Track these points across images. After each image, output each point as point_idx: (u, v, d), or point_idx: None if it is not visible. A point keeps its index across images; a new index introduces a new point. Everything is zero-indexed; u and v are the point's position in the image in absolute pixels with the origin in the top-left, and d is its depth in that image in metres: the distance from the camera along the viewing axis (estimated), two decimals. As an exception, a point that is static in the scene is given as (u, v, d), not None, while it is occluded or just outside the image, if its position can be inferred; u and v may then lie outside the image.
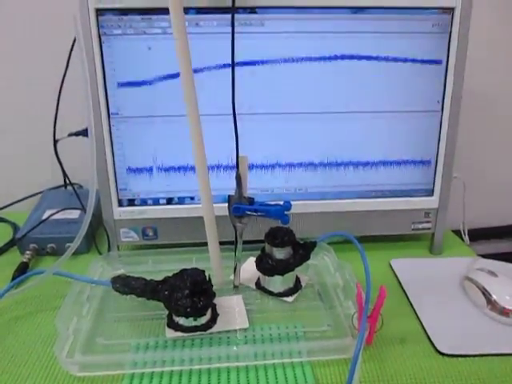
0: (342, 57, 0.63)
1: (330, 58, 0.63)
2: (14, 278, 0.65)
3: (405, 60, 0.64)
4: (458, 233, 0.80)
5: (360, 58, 0.64)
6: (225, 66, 0.62)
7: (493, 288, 0.60)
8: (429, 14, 0.63)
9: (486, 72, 0.90)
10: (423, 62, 0.65)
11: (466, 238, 0.78)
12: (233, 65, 0.54)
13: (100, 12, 0.59)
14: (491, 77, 0.92)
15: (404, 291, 0.64)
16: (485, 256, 0.71)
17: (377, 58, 0.64)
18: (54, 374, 0.50)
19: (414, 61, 0.65)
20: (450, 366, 0.52)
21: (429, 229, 0.73)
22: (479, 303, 0.60)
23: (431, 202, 0.71)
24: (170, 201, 0.68)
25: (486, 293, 0.60)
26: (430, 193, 0.71)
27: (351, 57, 0.64)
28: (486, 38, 0.87)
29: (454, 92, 0.66)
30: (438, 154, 0.69)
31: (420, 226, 0.73)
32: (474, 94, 0.89)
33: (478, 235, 0.93)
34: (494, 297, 0.59)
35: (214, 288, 0.56)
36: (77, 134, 0.66)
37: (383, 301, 0.52)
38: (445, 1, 0.62)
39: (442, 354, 0.53)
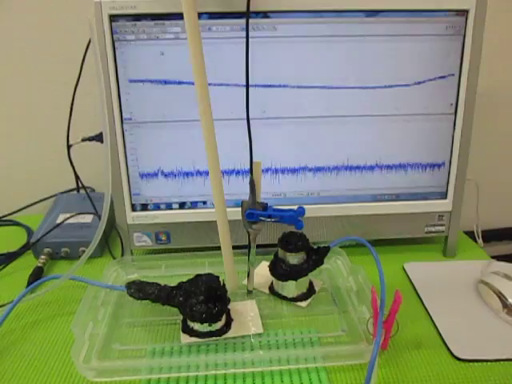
0: (355, 60, 0.63)
1: (342, 62, 0.63)
2: (29, 283, 0.65)
3: (418, 62, 0.64)
4: (470, 233, 0.80)
5: (373, 61, 0.63)
6: (238, 70, 0.61)
7: (509, 292, 0.59)
8: (443, 16, 0.62)
9: (499, 73, 0.89)
10: (436, 64, 0.64)
11: (480, 240, 0.77)
12: (247, 69, 0.54)
13: (113, 18, 0.59)
14: (504, 77, 0.91)
15: (418, 295, 0.63)
16: (497, 257, 0.71)
17: (390, 61, 0.64)
18: (71, 380, 0.51)
19: (427, 63, 0.64)
20: (466, 371, 0.51)
21: (442, 232, 0.72)
22: (495, 307, 0.60)
23: (445, 205, 0.71)
24: (182, 205, 0.68)
25: (501, 297, 0.59)
26: (444, 196, 0.71)
27: (364, 60, 0.63)
28: (501, 38, 0.86)
29: (468, 95, 0.65)
30: (451, 156, 0.68)
31: (433, 229, 0.72)
32: (487, 95, 0.89)
33: (490, 236, 0.92)
34: (510, 301, 0.58)
35: (228, 293, 0.56)
36: (90, 139, 0.67)
37: (399, 306, 0.52)
38: (459, 3, 0.61)
39: (458, 359, 0.53)
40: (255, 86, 0.62)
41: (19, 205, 0.87)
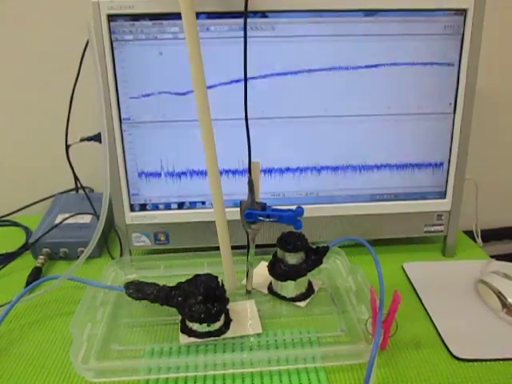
0: (354, 60, 0.63)
1: (341, 62, 0.63)
2: (28, 283, 0.65)
3: (416, 62, 0.64)
4: (469, 233, 0.80)
5: (371, 60, 0.63)
6: (236, 70, 0.61)
7: (508, 291, 0.59)
8: (441, 15, 0.62)
9: (498, 72, 0.89)
10: (435, 63, 0.64)
11: (479, 240, 0.77)
12: (245, 69, 0.54)
13: (112, 18, 0.59)
14: (502, 76, 0.91)
15: (417, 295, 0.63)
16: (497, 257, 0.71)
17: (388, 61, 0.63)
18: (70, 380, 0.50)
19: (425, 63, 0.64)
20: (465, 371, 0.51)
21: (441, 231, 0.72)
22: (494, 307, 0.60)
23: (444, 205, 0.71)
24: (181, 205, 0.68)
25: (501, 296, 0.59)
26: (443, 195, 0.70)
27: (363, 59, 0.63)
28: (499, 38, 0.86)
29: (467, 94, 0.65)
30: (450, 156, 0.68)
31: (432, 228, 0.72)
32: (486, 94, 0.88)
33: (489, 236, 0.92)
34: (510, 300, 0.58)
35: (227, 293, 0.56)
36: (89, 139, 0.67)
37: (398, 306, 0.52)
38: (457, 2, 0.61)
39: (457, 359, 0.53)
40: (254, 85, 0.62)
41: (18, 205, 0.87)
